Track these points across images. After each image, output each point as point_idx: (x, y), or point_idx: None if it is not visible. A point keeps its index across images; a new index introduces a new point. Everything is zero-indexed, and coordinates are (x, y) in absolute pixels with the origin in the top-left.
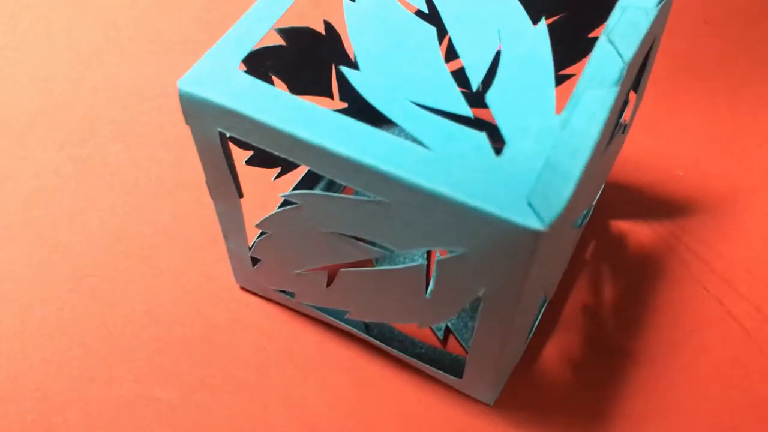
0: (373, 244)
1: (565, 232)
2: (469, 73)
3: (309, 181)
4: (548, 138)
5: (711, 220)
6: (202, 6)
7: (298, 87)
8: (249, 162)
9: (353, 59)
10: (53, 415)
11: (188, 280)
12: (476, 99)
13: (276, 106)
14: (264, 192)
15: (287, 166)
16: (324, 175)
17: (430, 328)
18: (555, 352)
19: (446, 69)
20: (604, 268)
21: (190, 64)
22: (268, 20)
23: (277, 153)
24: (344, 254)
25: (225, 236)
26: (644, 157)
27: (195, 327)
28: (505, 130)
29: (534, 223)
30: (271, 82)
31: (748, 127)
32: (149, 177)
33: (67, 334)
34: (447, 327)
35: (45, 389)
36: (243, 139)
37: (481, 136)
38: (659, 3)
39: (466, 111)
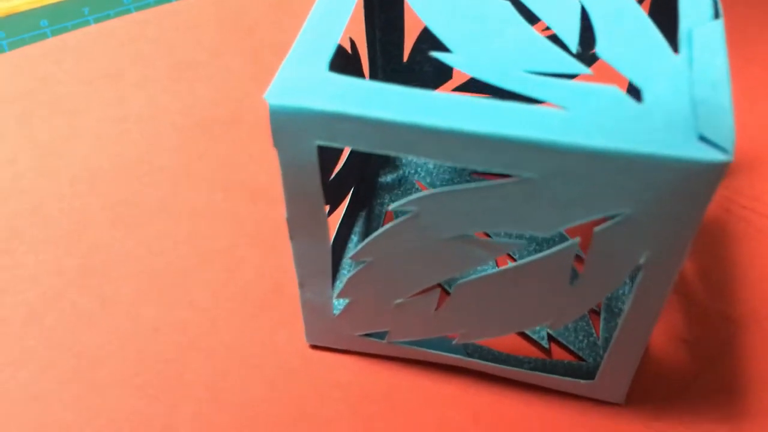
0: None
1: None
2: (562, 36)
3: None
4: (680, 77)
5: (755, 179)
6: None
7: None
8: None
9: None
10: None
11: (253, 342)
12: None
13: (384, 100)
14: None
15: (331, 202)
16: (457, 166)
17: (531, 339)
18: (660, 333)
19: (541, 35)
20: None
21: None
22: (339, 17)
23: (395, 153)
24: (468, 260)
25: (301, 285)
26: None
27: (271, 405)
28: (635, 78)
29: (716, 155)
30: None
31: (759, 91)
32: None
33: (137, 395)
34: (549, 334)
35: None
36: (352, 146)
37: (614, 89)
38: None
39: (583, 69)
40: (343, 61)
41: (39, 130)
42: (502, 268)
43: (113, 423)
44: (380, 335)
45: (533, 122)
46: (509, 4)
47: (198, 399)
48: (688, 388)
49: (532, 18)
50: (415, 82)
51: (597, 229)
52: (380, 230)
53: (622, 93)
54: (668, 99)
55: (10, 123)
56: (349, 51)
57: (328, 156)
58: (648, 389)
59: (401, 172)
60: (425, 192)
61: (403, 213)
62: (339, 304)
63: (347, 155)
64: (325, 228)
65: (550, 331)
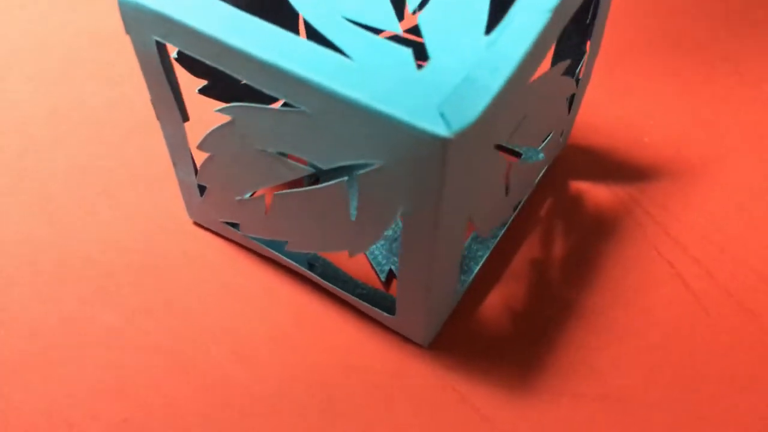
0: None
1: (486, 152)
2: None
3: None
4: (472, 57)
5: (672, 186)
6: None
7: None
8: (202, 91)
9: None
10: None
11: (144, 212)
12: None
13: (207, 14)
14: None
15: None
16: (252, 85)
17: (374, 270)
18: (497, 302)
19: None
20: (557, 226)
21: None
22: None
23: (206, 61)
24: (276, 174)
25: (174, 164)
26: (613, 123)
27: (144, 256)
28: (431, 48)
29: (442, 131)
30: None
31: (722, 102)
32: (119, 116)
33: (20, 254)
34: (391, 269)
35: None
36: (176, 46)
37: (406, 51)
38: None
39: (395, 27)
40: None
41: None
42: (293, 190)
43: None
44: (238, 226)
45: (315, 63)
46: None
47: (87, 237)
48: (497, 351)
49: None
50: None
51: (359, 172)
52: (214, 128)
53: (410, 57)
54: (445, 73)
55: None
56: None
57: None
58: (458, 343)
59: None
60: (239, 104)
61: None
62: None
63: None
64: (177, 114)
65: (392, 267)
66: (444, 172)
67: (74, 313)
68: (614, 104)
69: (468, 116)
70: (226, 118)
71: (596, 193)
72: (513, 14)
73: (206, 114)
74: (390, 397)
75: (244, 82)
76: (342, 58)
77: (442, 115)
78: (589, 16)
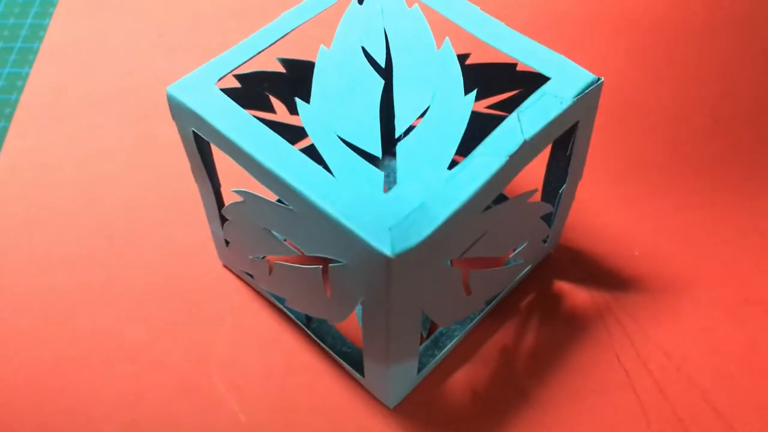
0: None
1: (437, 267)
2: (397, 123)
3: None
4: (432, 187)
5: (648, 301)
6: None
7: (294, 109)
8: None
9: None
10: (42, 331)
11: (184, 248)
12: None
13: (230, 119)
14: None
15: None
16: (259, 182)
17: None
18: (462, 380)
19: (376, 115)
20: (534, 319)
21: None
22: (258, 47)
23: (227, 155)
24: (274, 249)
25: (208, 217)
26: (611, 232)
27: (176, 287)
28: (400, 175)
29: (387, 250)
30: (268, 101)
31: (717, 225)
32: (182, 159)
33: (76, 268)
34: None
35: (43, 310)
36: (205, 138)
37: (379, 175)
38: (576, 95)
39: (377, 151)
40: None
41: None
42: (283, 263)
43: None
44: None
45: (303, 174)
46: (381, 83)
47: (129, 263)
48: (454, 425)
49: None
50: None
51: (330, 266)
52: (232, 202)
53: (381, 180)
54: (406, 198)
55: None
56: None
57: None
58: (421, 410)
59: None
60: (247, 190)
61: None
62: None
63: None
64: (208, 181)
65: None
66: (390, 280)
67: (108, 327)
68: (615, 214)
69: (411, 240)
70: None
71: (576, 294)
72: (475, 154)
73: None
74: None
75: None
76: (326, 173)
77: (390, 237)
78: (569, 149)
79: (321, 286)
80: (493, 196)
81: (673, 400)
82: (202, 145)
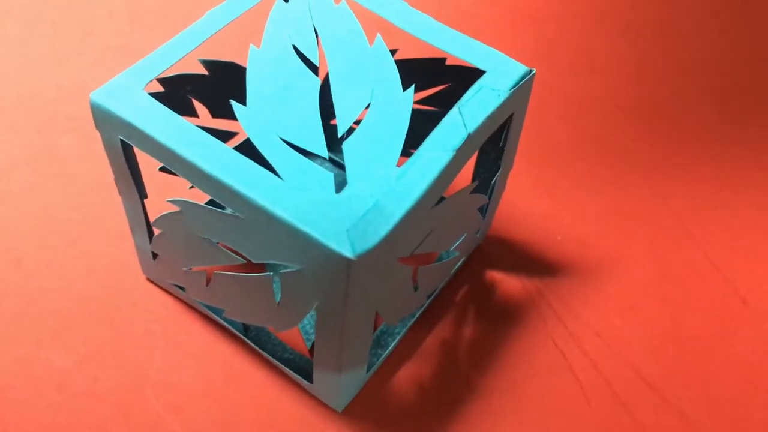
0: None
1: (391, 266)
2: (338, 121)
3: None
4: (384, 185)
5: (576, 283)
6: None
7: (218, 112)
8: (162, 169)
9: None
10: None
11: (104, 265)
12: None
13: (163, 124)
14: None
15: None
16: (199, 189)
17: (303, 338)
18: (407, 377)
19: (317, 115)
20: (470, 311)
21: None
22: (184, 50)
23: (162, 163)
24: (215, 259)
25: (132, 230)
26: (534, 219)
27: (99, 307)
28: (350, 174)
29: (347, 252)
30: (191, 105)
31: (632, 208)
32: (91, 169)
33: None
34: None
35: None
36: (136, 147)
37: (328, 176)
38: (512, 87)
39: (323, 152)
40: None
41: None
42: (228, 273)
43: None
44: (184, 289)
45: (248, 177)
46: (317, 82)
47: (49, 284)
48: (403, 422)
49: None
50: None
51: (282, 271)
52: (164, 213)
53: (331, 181)
54: (358, 198)
55: None
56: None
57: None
58: (369, 411)
59: None
60: (186, 200)
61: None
62: None
63: None
64: (135, 192)
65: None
66: (348, 283)
67: (30, 356)
68: (536, 201)
69: (371, 240)
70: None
71: (508, 283)
72: (422, 150)
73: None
74: None
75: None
76: (273, 176)
77: (349, 239)
78: (502, 141)
79: (270, 293)
80: (442, 191)
81: (609, 378)
82: (128, 154)
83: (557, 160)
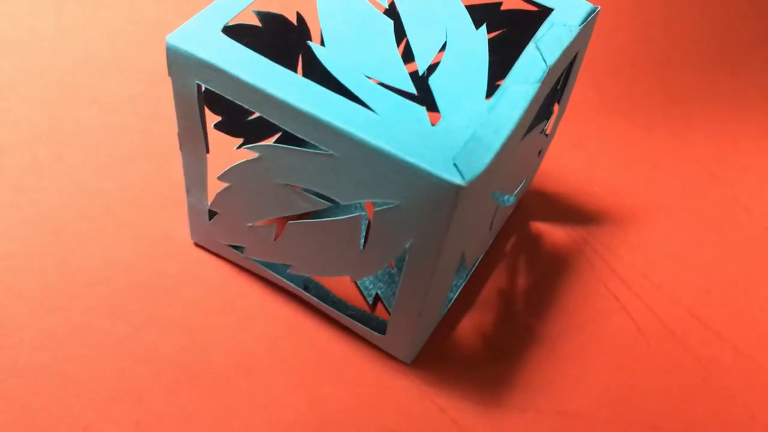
0: (321, 197)
1: (483, 199)
2: (417, 60)
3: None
4: (477, 117)
5: (617, 230)
6: None
7: None
8: (217, 126)
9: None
10: (9, 336)
11: (146, 233)
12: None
13: (248, 65)
14: (226, 159)
15: (250, 137)
16: (286, 129)
17: (362, 294)
18: (470, 326)
19: (398, 54)
20: (520, 261)
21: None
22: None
23: (246, 106)
24: (294, 206)
25: (188, 190)
26: (568, 173)
27: (147, 275)
28: (442, 108)
29: (457, 179)
30: None
31: (659, 157)
32: (115, 140)
33: (28, 268)
34: (377, 294)
35: (2, 314)
36: (218, 91)
37: (421, 109)
38: (581, 23)
39: (411, 88)
40: (244, 29)
41: None
42: (310, 220)
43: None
44: (242, 249)
45: (344, 113)
46: (391, 23)
47: (93, 254)
48: (471, 370)
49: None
50: None
51: (376, 209)
52: (238, 162)
53: (424, 114)
54: (455, 130)
55: None
56: (260, 24)
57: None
58: (437, 361)
59: None
60: (268, 143)
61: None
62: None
63: None
64: (202, 146)
65: (378, 291)
66: (452, 213)
67: (84, 326)
68: (567, 156)
69: (476, 168)
70: (250, 154)
71: (553, 233)
72: (508, 83)
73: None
74: (377, 407)
75: (252, 117)
76: (368, 111)
77: (456, 166)
78: (560, 83)
79: (357, 236)
80: (527, 124)
81: (662, 317)
82: (201, 103)
83: (580, 116)
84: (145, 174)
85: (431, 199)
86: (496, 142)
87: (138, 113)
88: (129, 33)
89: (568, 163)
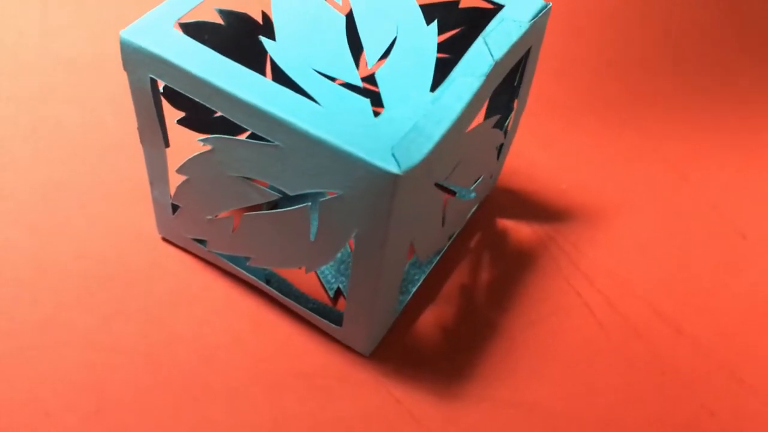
0: (273, 189)
1: (427, 190)
2: (367, 54)
3: None
4: (420, 109)
5: (584, 228)
6: None
7: None
8: (180, 122)
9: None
10: None
11: (117, 228)
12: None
13: (198, 59)
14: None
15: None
16: (235, 122)
17: (324, 288)
18: (431, 320)
19: (347, 48)
20: (485, 256)
21: None
22: None
23: (197, 99)
24: (248, 197)
25: (151, 183)
26: (536, 170)
27: (116, 268)
28: (386, 99)
29: (393, 168)
30: None
31: (629, 157)
32: (92, 136)
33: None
34: (338, 288)
35: None
36: (170, 85)
37: (365, 101)
38: (531, 18)
39: (357, 81)
40: (205, 27)
41: None
42: (262, 212)
43: None
44: (205, 243)
45: (288, 105)
46: (343, 19)
47: (64, 248)
48: (430, 363)
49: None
50: None
51: (321, 200)
52: (193, 155)
53: (368, 106)
54: (397, 121)
55: None
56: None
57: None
58: (396, 354)
59: None
60: (220, 136)
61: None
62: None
63: None
64: (161, 140)
65: (339, 285)
66: (393, 202)
67: (52, 316)
68: (537, 153)
69: (414, 158)
70: (205, 147)
71: (519, 230)
72: (454, 76)
73: (181, 142)
74: (334, 399)
75: (218, 114)
76: (312, 103)
77: (394, 156)
78: (517, 79)
79: (306, 227)
80: (474, 117)
81: (624, 313)
82: (157, 97)
83: (552, 114)
84: (120, 171)
85: (372, 188)
86: (437, 132)
87: (116, 112)
88: (112, 34)
89: (537, 161)
